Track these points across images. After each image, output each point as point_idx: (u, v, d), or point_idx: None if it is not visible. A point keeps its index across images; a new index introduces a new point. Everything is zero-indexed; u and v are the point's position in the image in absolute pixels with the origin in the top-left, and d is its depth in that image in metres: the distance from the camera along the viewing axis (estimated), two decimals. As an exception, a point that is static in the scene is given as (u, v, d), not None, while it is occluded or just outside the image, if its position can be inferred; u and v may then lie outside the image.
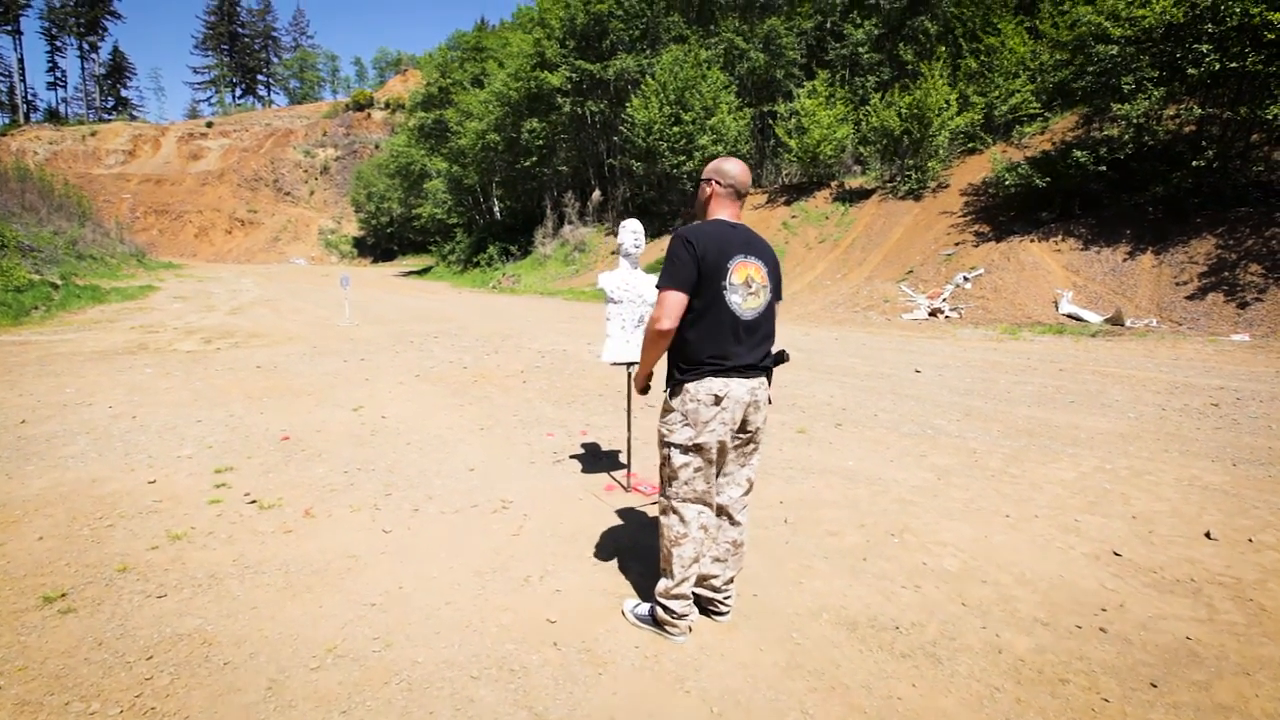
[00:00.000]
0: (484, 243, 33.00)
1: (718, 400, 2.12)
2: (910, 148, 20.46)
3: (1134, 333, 12.07)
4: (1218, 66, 12.96)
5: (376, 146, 61.72)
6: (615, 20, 26.56)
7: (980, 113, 19.93)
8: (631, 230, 3.47)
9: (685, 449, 2.17)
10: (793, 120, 22.91)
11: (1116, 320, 12.69)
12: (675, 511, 2.24)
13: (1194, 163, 13.76)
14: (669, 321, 2.09)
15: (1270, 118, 12.79)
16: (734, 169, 2.21)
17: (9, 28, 72.81)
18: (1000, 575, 2.75)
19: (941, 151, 19.95)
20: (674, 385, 2.20)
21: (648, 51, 27.29)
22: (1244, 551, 2.98)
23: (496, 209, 36.28)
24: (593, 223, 28.81)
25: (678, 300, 2.08)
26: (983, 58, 20.72)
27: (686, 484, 2.20)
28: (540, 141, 28.83)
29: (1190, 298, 13.07)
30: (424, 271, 38.60)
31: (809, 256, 20.51)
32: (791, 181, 25.05)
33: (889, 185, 21.10)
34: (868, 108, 21.70)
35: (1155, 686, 2.01)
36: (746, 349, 2.16)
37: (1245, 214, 13.85)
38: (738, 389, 2.15)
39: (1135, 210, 15.17)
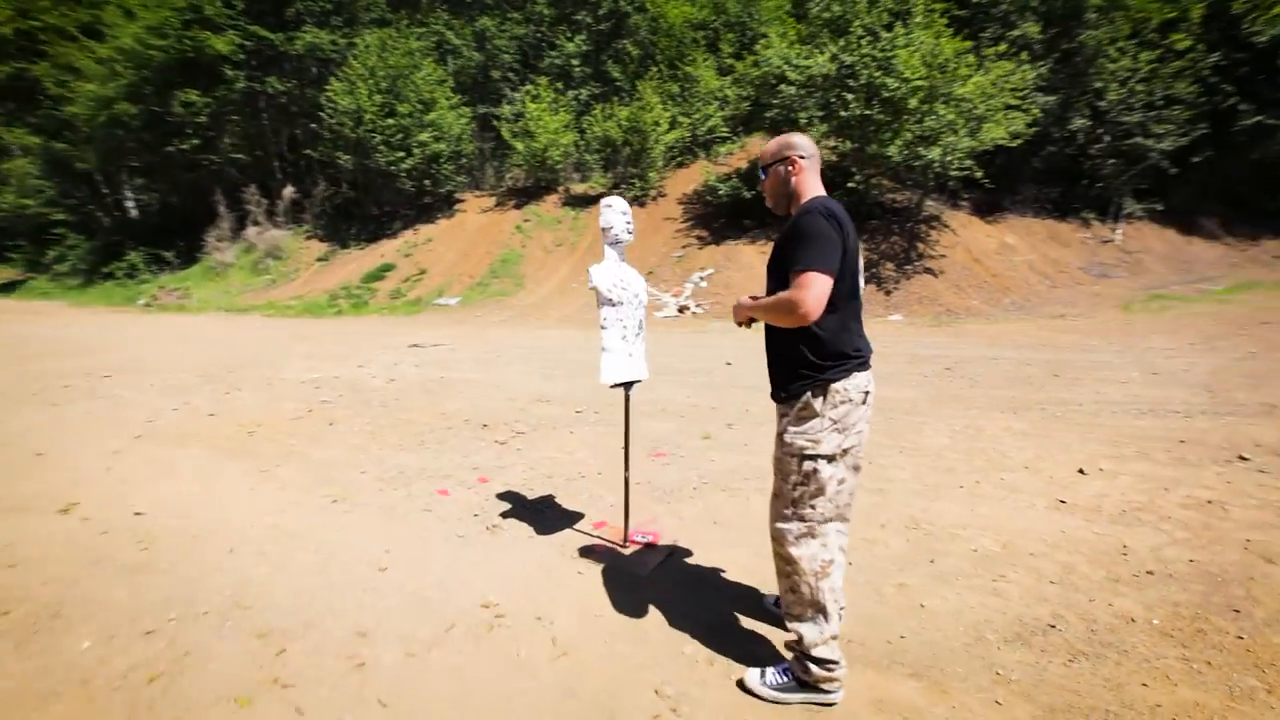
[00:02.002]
0: (118, 248, 24.93)
1: (865, 397, 1.85)
2: (631, 158, 22.02)
3: (832, 319, 14.95)
4: (858, 112, 16.83)
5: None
6: (297, -15, 22.61)
7: (687, 131, 22.47)
8: (621, 211, 2.71)
9: (833, 458, 1.84)
10: (519, 123, 22.58)
11: (816, 309, 15.58)
12: (816, 536, 1.87)
13: (848, 185, 17.70)
14: (817, 311, 1.73)
15: (887, 154, 17.07)
16: (804, 140, 1.99)
17: None
18: (1033, 544, 2.86)
19: (659, 163, 21.92)
20: (813, 386, 1.82)
21: (345, 30, 23.91)
22: (1118, 477, 3.68)
23: (131, 203, 27.80)
24: (286, 223, 24.09)
25: (827, 285, 1.74)
26: (683, 84, 23.38)
27: (831, 500, 1.86)
28: (201, 119, 22.94)
29: (856, 289, 16.75)
30: (10, 287, 27.49)
31: (549, 260, 20.48)
32: (518, 185, 24.74)
33: (615, 192, 22.37)
34: (590, 117, 22.61)
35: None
36: (865, 339, 1.95)
37: (877, 225, 18.41)
38: (872, 384, 1.94)
39: (810, 221, 18.86)
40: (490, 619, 2.33)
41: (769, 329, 1.98)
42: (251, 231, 23.11)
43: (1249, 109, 18.99)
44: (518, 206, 22.85)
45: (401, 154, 20.98)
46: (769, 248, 17.96)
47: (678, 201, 21.36)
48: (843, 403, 1.83)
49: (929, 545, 2.91)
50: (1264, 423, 4.87)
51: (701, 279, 17.16)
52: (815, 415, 1.84)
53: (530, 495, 3.59)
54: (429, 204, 23.00)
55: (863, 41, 16.75)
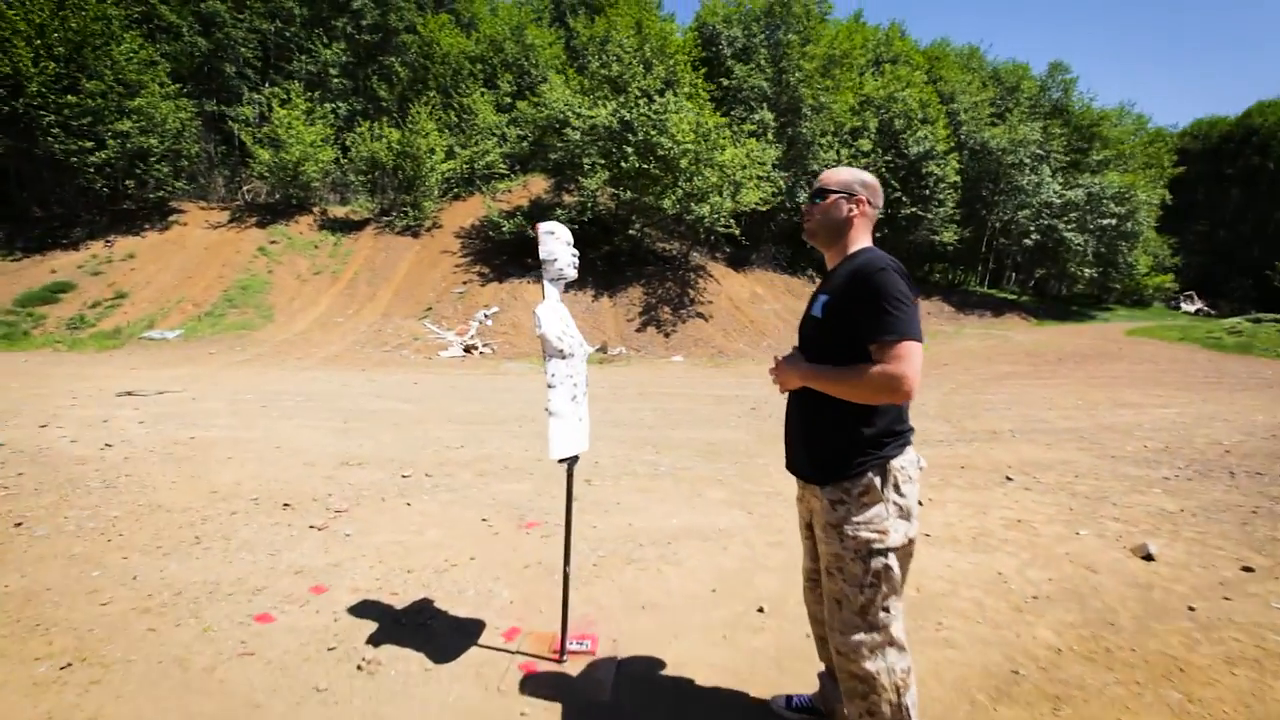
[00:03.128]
0: None
1: (917, 473, 1.68)
2: (403, 184, 20.32)
3: (620, 359, 15.39)
4: (636, 165, 17.96)
5: None
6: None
7: (465, 162, 21.58)
8: (566, 240, 2.22)
9: (902, 549, 1.62)
10: (264, 129, 19.31)
11: (603, 349, 15.91)
12: (895, 642, 1.61)
13: (629, 231, 18.69)
14: (918, 388, 1.50)
15: (662, 206, 18.48)
16: (878, 186, 1.77)
17: None
18: (936, 583, 3.01)
19: (435, 192, 20.60)
20: (873, 466, 1.60)
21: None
22: (945, 505, 4.19)
23: None
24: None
25: (920, 354, 1.52)
26: (461, 114, 22.51)
27: (899, 595, 1.63)
28: None
29: (638, 330, 17.57)
30: None
31: (305, 290, 17.63)
32: (259, 200, 21.05)
33: (385, 219, 20.35)
34: (354, 134, 20.37)
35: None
36: None
37: (653, 271, 19.71)
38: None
39: (590, 263, 19.39)
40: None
41: (806, 398, 1.71)
42: None
43: (907, 201, 24.99)
44: (261, 225, 19.39)
45: (89, 143, 16.32)
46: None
47: (455, 235, 20.26)
48: (905, 482, 1.61)
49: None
50: (1000, 446, 6.12)
51: (487, 317, 16.35)
52: (879, 500, 1.59)
53: (397, 603, 2.72)
54: (130, 211, 18.23)
55: (640, 101, 18.01)
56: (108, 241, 17.29)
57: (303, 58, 23.12)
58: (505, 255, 19.34)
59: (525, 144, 22.34)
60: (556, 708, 2.04)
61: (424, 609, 2.67)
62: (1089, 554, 3.48)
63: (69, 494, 3.90)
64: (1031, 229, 29.91)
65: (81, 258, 16.71)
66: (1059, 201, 29.45)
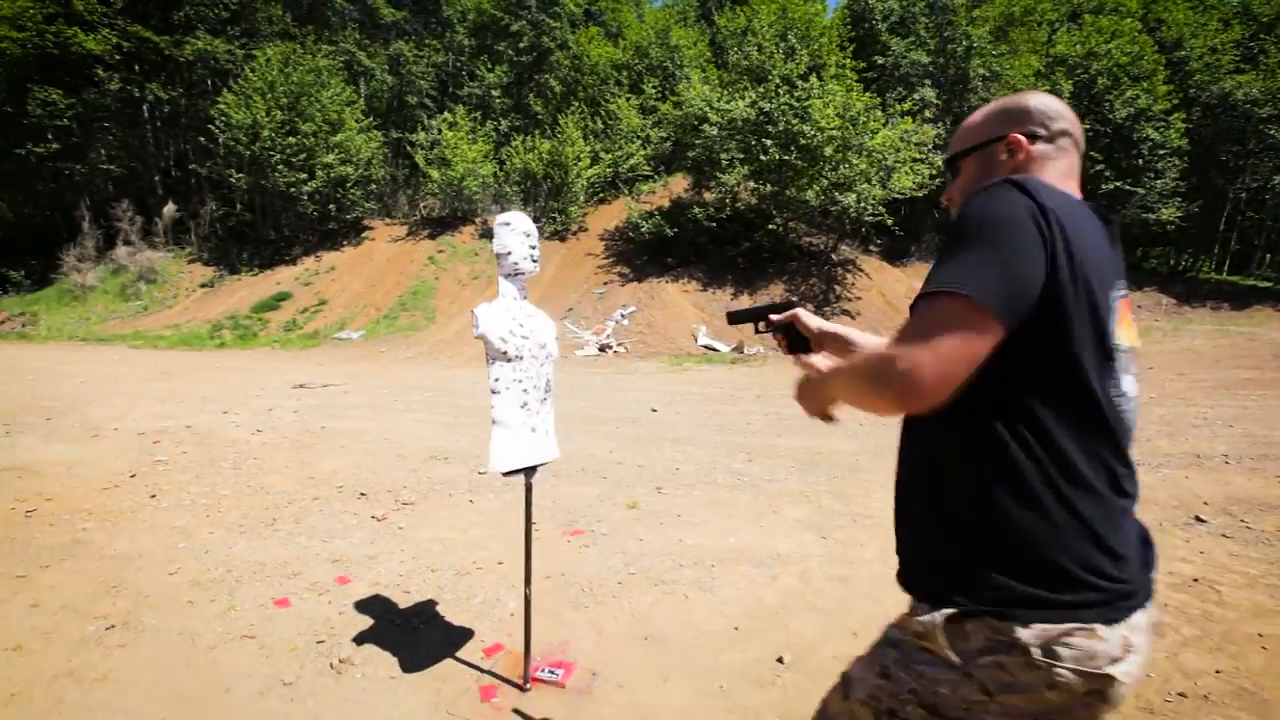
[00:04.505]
0: (-51, 264, 21.47)
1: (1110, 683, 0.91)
2: (552, 191, 21.48)
3: (755, 359, 14.78)
4: (777, 157, 17.14)
5: None
6: (190, -11, 20.88)
7: (609, 167, 22.25)
8: (523, 231, 2.02)
9: None
10: (434, 150, 21.58)
11: (739, 349, 15.39)
12: None
13: (769, 226, 17.94)
14: (939, 382, 0.82)
15: (805, 198, 17.42)
16: (1052, 105, 0.99)
17: None
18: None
19: (581, 198, 21.50)
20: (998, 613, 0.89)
21: (243, 40, 22.21)
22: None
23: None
24: (166, 245, 21.61)
25: (967, 317, 0.83)
26: (607, 121, 23.28)
27: None
28: (64, 123, 20.36)
29: (778, 330, 16.78)
30: None
31: (464, 294, 19.35)
32: (432, 214, 23.56)
33: (535, 225, 21.67)
34: (509, 148, 21.97)
35: None
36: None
37: (797, 267, 18.70)
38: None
39: (730, 260, 18.91)
40: None
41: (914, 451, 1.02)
42: (122, 251, 20.54)
43: (1110, 175, 21.04)
44: (431, 237, 21.68)
45: (304, 175, 19.43)
46: (691, 286, 17.64)
47: (599, 238, 20.95)
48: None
49: (916, 662, 2.31)
50: (1201, 475, 4.75)
51: (623, 316, 16.64)
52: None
53: (403, 602, 2.72)
54: (334, 230, 21.37)
55: (780, 90, 17.19)
56: (317, 257, 20.47)
57: (471, 83, 25.45)
58: (645, 256, 19.59)
59: (667, 144, 22.48)
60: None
61: (424, 612, 2.63)
62: (1297, 638, 2.50)
63: (202, 472, 4.54)
64: (1295, 198, 23.64)
65: (298, 271, 19.97)
66: (1340, 161, 22.93)
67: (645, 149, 22.74)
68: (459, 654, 2.31)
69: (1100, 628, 0.84)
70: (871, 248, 20.37)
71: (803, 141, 16.63)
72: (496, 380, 1.92)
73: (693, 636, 2.46)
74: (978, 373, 0.83)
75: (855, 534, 3.60)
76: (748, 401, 8.54)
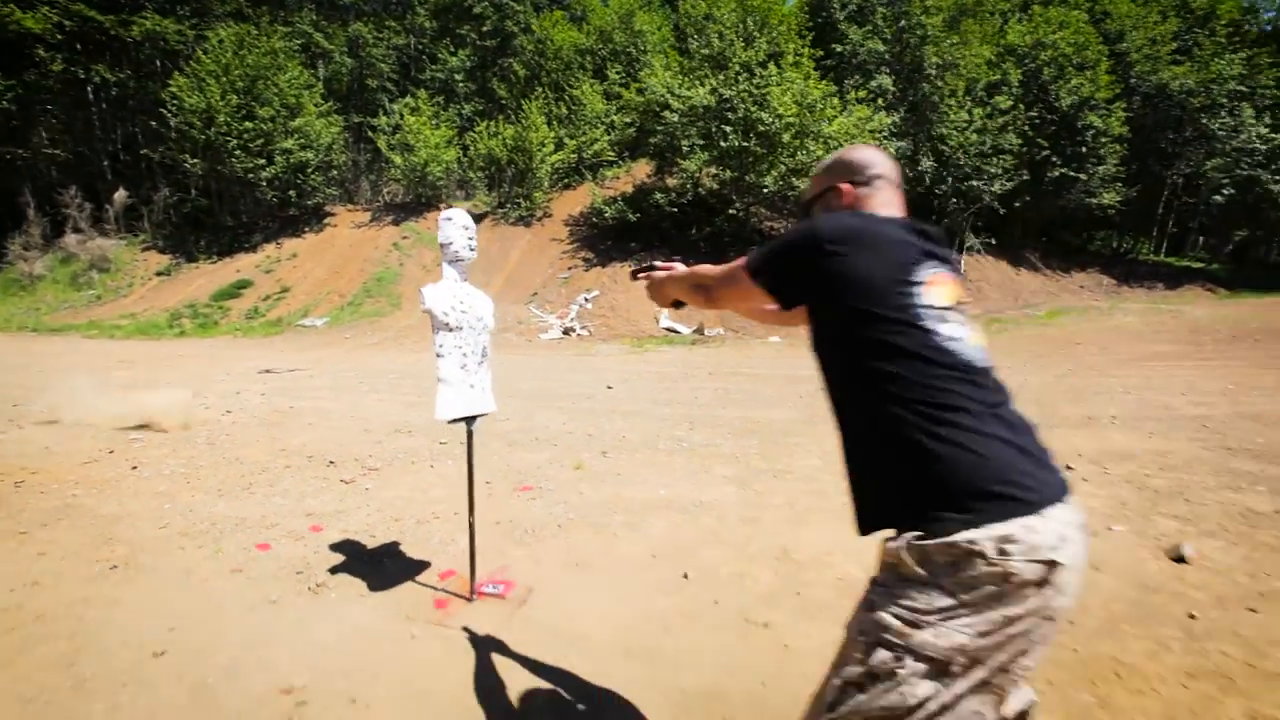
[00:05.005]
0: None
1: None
2: (516, 177, 21.62)
3: (715, 340, 15.34)
4: (736, 144, 17.60)
5: None
6: (137, -33, 20.26)
7: (572, 153, 22.44)
8: (462, 225, 2.42)
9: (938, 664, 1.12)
10: (397, 136, 21.49)
11: (700, 331, 15.94)
12: None
13: (729, 211, 18.45)
14: (721, 292, 1.44)
15: (763, 184, 17.94)
16: (868, 156, 1.36)
17: None
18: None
19: (545, 184, 21.68)
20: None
21: (194, 21, 21.64)
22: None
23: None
24: (118, 232, 21.13)
25: (742, 283, 1.35)
26: (571, 106, 23.40)
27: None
28: (3, 105, 19.69)
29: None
30: None
31: (429, 279, 19.30)
32: (396, 200, 23.47)
33: (500, 211, 21.81)
34: (473, 134, 21.98)
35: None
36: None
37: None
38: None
39: (691, 245, 19.39)
40: (289, 709, 1.90)
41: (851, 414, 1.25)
42: (71, 239, 20.05)
43: (1057, 162, 22.05)
44: (395, 223, 21.65)
45: (262, 161, 19.20)
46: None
47: (564, 223, 21.20)
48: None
49: (797, 576, 2.83)
50: (1085, 434, 5.42)
51: (587, 300, 17.02)
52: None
53: (370, 544, 3.14)
54: (294, 216, 21.18)
55: (739, 77, 17.60)
56: (277, 244, 20.29)
57: (433, 67, 25.24)
58: (609, 241, 19.93)
59: (630, 130, 22.74)
60: (446, 634, 2.30)
61: (388, 550, 3.06)
62: (1108, 551, 3.09)
63: (178, 447, 4.85)
64: (1225, 182, 25.06)
65: (259, 258, 19.79)
66: (1264, 148, 24.37)
67: (609, 135, 22.98)
68: (418, 579, 2.75)
69: (1034, 521, 1.02)
70: (829, 232, 21.03)
71: (761, 128, 17.11)
72: (441, 346, 2.34)
73: (614, 564, 2.94)
74: (845, 360, 1.20)
75: (772, 485, 4.13)
76: (700, 379, 9.06)
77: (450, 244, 2.40)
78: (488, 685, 2.02)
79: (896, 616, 1.06)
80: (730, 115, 17.44)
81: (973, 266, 21.22)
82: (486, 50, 26.38)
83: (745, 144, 17.34)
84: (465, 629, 2.33)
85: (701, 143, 18.11)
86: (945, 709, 1.03)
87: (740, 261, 1.31)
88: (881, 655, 1.06)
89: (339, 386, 8.01)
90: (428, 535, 3.25)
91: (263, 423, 5.76)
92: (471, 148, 21.53)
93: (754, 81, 17.35)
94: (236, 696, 1.96)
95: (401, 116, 21.43)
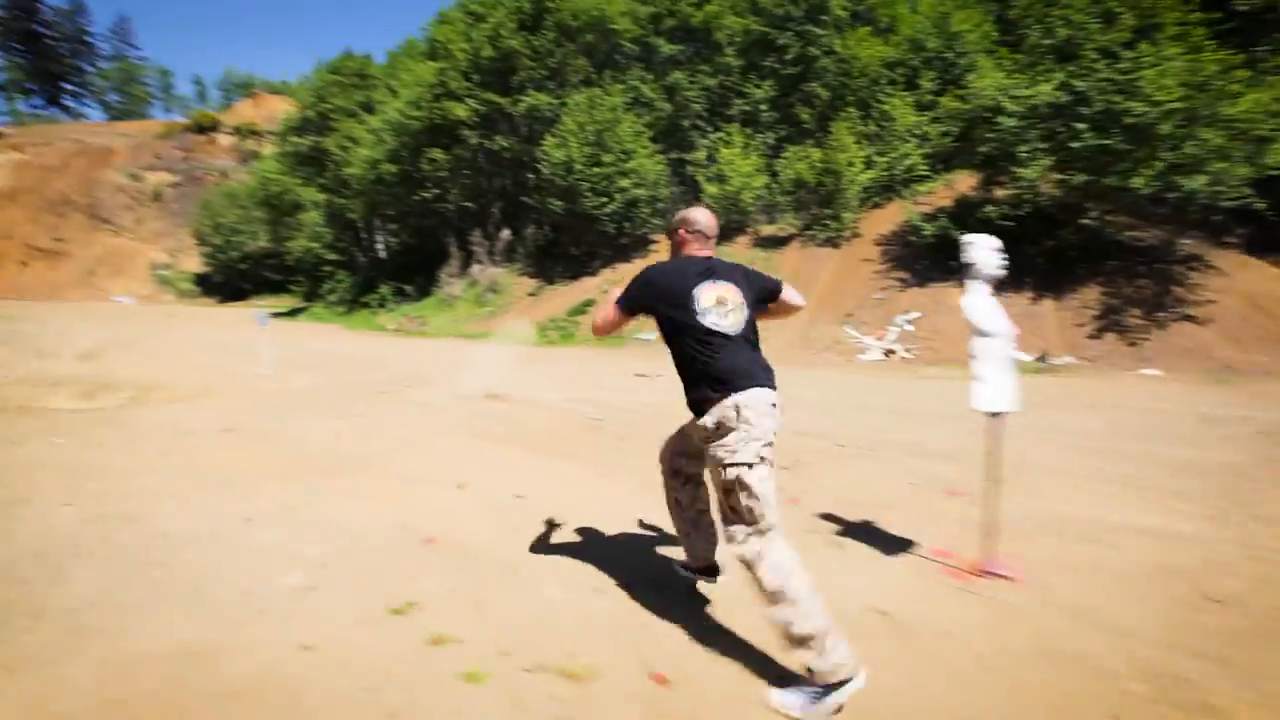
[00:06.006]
0: (373, 282, 30.03)
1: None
2: (824, 199, 21.90)
3: (1064, 369, 13.46)
4: (1091, 142, 15.23)
5: (224, 174, 54.66)
6: (524, 58, 26.06)
7: (883, 170, 21.90)
8: (990, 248, 2.87)
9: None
10: (712, 168, 23.65)
11: (1042, 358, 14.12)
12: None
13: (1080, 221, 16.02)
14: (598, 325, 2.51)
15: (1131, 187, 15.14)
16: (695, 215, 2.45)
17: None
18: None
19: (854, 203, 21.55)
20: None
21: (557, 91, 26.98)
22: None
23: (381, 245, 33.36)
24: (503, 262, 27.35)
25: (609, 309, 2.49)
26: (880, 123, 22.93)
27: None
28: (442, 173, 27.09)
29: (1090, 337, 14.92)
30: (294, 313, 34.16)
31: (737, 299, 20.85)
32: (705, 227, 25.68)
33: (807, 233, 22.33)
34: (782, 159, 22.99)
35: None
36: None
37: (1115, 267, 16.31)
38: None
39: (1029, 261, 17.25)
40: (875, 623, 2.52)
41: None
42: (475, 269, 26.58)
43: None
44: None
45: (605, 199, 22.91)
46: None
47: (874, 243, 20.75)
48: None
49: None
50: None
51: (907, 322, 16.42)
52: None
53: (857, 518, 3.77)
54: (625, 244, 24.76)
55: (1097, 64, 15.24)
56: (612, 268, 23.98)
57: (739, 101, 27.13)
58: (927, 260, 18.91)
59: (948, 140, 21.31)
60: (973, 597, 2.71)
61: (873, 526, 3.64)
62: None
63: (641, 428, 6.29)
64: None
65: (599, 281, 23.65)
66: None
67: (922, 147, 21.86)
68: (913, 551, 3.25)
69: (722, 399, 2.12)
70: (1228, 239, 16.74)
71: (1129, 120, 14.56)
72: (980, 349, 2.80)
73: (1112, 576, 3.03)
74: (666, 331, 2.31)
75: (1255, 530, 3.69)
76: (1074, 409, 8.18)
77: (981, 263, 2.85)
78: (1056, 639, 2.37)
79: (684, 443, 2.53)
80: (1084, 110, 15.20)
81: None
82: (788, 79, 27.35)
83: (1105, 141, 14.92)
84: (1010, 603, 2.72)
85: (1044, 146, 16.11)
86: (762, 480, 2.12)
87: (615, 297, 2.36)
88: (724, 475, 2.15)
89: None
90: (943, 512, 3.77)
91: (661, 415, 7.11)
92: (780, 173, 22.54)
93: (1117, 67, 14.84)
94: (839, 612, 2.66)
95: (715, 150, 23.51)
